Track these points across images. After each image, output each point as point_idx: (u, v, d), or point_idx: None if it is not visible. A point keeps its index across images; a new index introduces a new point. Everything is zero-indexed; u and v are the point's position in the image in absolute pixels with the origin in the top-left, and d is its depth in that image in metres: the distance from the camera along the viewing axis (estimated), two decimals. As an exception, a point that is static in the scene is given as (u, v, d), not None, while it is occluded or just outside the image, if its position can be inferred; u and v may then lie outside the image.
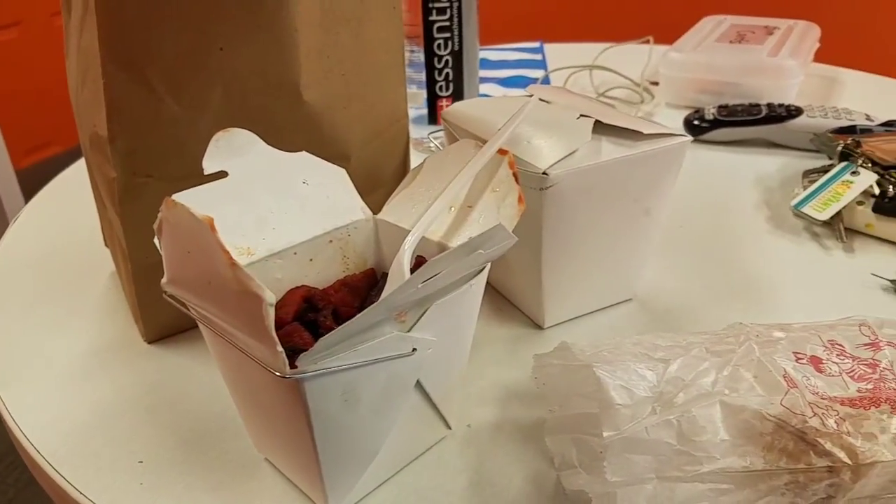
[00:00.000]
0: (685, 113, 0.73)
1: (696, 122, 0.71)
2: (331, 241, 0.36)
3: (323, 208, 0.36)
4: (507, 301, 0.48)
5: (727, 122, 0.69)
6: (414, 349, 0.29)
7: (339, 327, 0.24)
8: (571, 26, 1.30)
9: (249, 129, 0.34)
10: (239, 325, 0.26)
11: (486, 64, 0.99)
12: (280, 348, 0.25)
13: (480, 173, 0.35)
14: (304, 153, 0.36)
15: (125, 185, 0.39)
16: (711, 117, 0.70)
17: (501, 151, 0.35)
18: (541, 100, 0.45)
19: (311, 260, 0.35)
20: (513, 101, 0.45)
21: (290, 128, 0.40)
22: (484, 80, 0.93)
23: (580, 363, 0.34)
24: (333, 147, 0.43)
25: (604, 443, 0.30)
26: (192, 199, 0.32)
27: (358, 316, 0.24)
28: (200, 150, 0.33)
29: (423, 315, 0.29)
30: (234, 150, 0.34)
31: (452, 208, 0.35)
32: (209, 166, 0.33)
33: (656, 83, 0.84)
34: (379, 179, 0.48)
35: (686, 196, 0.61)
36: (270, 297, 0.24)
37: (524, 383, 0.41)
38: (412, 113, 0.73)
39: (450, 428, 0.37)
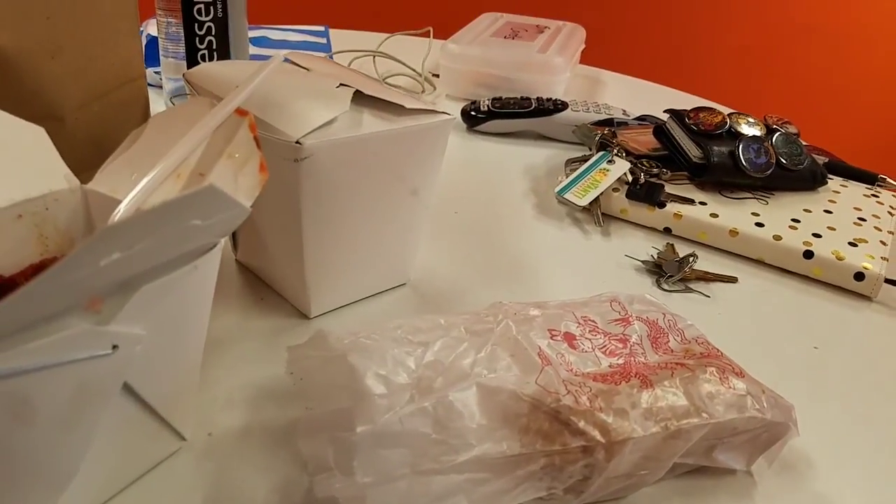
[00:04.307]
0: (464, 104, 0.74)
1: (472, 113, 0.71)
2: (20, 216, 0.28)
3: (9, 175, 0.28)
4: (270, 289, 0.43)
5: (500, 113, 0.70)
6: (115, 346, 0.23)
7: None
8: (356, 14, 1.27)
9: None
10: None
11: (266, 42, 0.92)
12: None
13: (215, 137, 0.30)
14: (-20, 106, 0.28)
15: None
16: (486, 108, 0.71)
17: (241, 112, 0.30)
18: (299, 66, 0.41)
19: (-12, 240, 0.28)
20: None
21: (-31, 76, 0.32)
22: (262, 58, 0.86)
23: (337, 353, 0.31)
24: (38, 105, 0.35)
25: (354, 440, 0.27)
26: None
27: None
28: None
29: (126, 303, 0.23)
30: None
31: (180, 176, 0.30)
32: None
33: (437, 75, 0.83)
34: (110, 149, 0.40)
35: (461, 183, 0.60)
36: None
37: (282, 381, 0.36)
38: (171, 85, 0.64)
39: (185, 439, 0.31)
